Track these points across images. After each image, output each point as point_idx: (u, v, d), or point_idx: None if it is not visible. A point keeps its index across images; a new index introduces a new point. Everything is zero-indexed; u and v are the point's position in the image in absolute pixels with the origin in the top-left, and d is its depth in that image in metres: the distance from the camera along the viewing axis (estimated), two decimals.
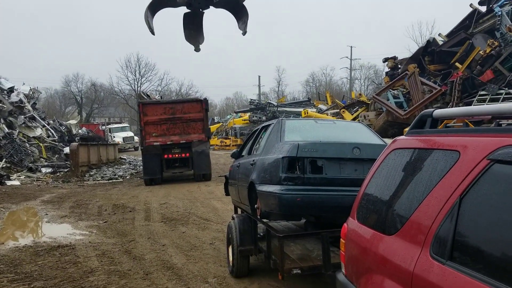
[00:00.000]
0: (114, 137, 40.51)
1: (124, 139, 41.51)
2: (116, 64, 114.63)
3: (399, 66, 24.63)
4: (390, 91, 20.26)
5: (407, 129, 13.78)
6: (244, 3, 9.99)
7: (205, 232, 8.91)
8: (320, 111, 33.59)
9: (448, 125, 11.54)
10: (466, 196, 2.07)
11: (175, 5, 9.93)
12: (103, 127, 45.38)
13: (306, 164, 4.59)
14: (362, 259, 2.84)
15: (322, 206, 4.60)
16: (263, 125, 6.63)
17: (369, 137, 5.69)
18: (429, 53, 21.98)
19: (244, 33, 10.42)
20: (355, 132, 5.94)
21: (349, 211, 3.35)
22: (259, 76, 73.51)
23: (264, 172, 5.11)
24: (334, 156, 4.66)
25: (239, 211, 7.21)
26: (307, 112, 29.92)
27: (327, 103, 37.86)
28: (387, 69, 26.62)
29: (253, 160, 5.68)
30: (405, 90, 20.13)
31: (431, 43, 22.62)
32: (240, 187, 6.27)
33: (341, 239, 3.24)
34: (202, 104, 17.90)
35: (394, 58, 25.54)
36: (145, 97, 26.94)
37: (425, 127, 2.77)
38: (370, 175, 3.10)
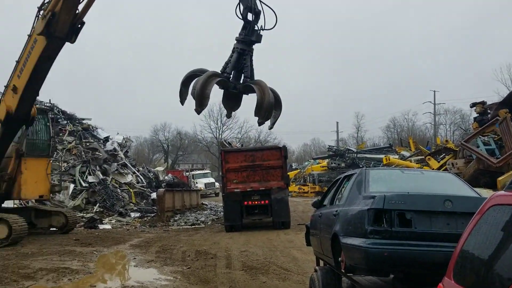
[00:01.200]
0: (196, 183, 42.01)
1: (206, 185, 42.92)
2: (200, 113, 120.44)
3: (489, 111, 23.27)
4: (480, 138, 19.11)
5: (500, 178, 12.81)
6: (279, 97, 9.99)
7: (285, 283, 8.77)
8: (403, 157, 32.40)
9: None
10: None
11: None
12: (187, 173, 47.37)
13: (394, 216, 4.43)
14: None
15: (411, 262, 4.37)
16: (346, 174, 6.55)
17: (461, 188, 5.39)
18: None
19: (271, 127, 10.62)
20: (445, 183, 5.67)
21: (441, 268, 3.16)
22: (337, 122, 73.07)
23: (348, 223, 5.01)
24: (424, 209, 4.46)
25: (321, 263, 7.05)
26: (389, 159, 29.02)
27: (410, 150, 36.49)
28: (475, 114, 25.24)
29: (336, 211, 5.59)
30: (496, 136, 18.89)
31: None
32: (323, 238, 6.17)
33: None
34: (281, 151, 18.13)
35: (483, 103, 24.22)
36: (227, 145, 27.91)
37: None
38: (467, 232, 2.92)
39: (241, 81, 9.81)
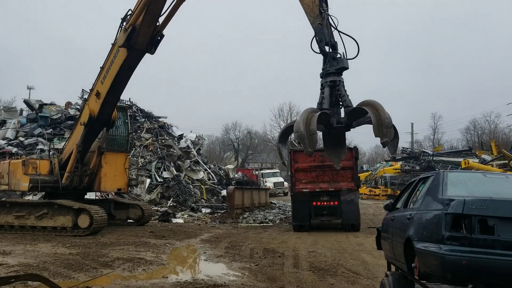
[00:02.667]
0: (265, 182, 42.33)
1: (275, 184, 43.11)
2: (270, 113, 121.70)
3: None
4: None
5: None
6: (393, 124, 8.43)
7: (354, 286, 8.55)
8: (484, 161, 30.39)
9: None
10: None
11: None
12: (256, 172, 47.90)
13: (474, 222, 4.14)
14: None
15: (493, 272, 4.06)
16: (422, 176, 6.24)
17: None
18: None
19: (393, 158, 9.67)
20: None
21: None
22: (411, 123, 69.98)
23: (424, 228, 4.76)
24: (508, 215, 4.13)
25: (393, 267, 6.77)
26: (468, 163, 27.37)
27: (492, 153, 34.14)
28: None
29: (410, 214, 5.34)
30: None
31: None
32: (395, 242, 5.92)
33: None
34: (352, 152, 17.70)
35: None
36: (296, 145, 27.81)
37: None
38: None
39: (342, 115, 8.88)
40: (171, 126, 32.29)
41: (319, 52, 8.80)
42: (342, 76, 8.81)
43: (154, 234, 15.44)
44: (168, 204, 23.54)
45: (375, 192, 38.93)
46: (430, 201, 5.04)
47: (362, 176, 41.15)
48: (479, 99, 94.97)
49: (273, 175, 46.43)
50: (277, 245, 13.69)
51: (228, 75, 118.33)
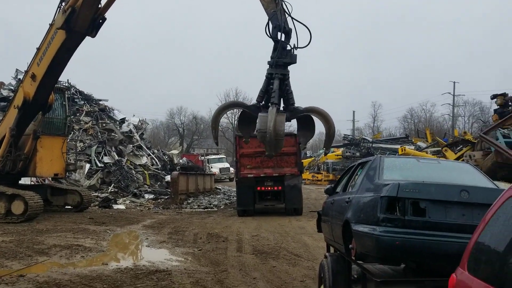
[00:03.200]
0: (211, 167, 42.07)
1: (221, 169, 43.05)
2: (216, 98, 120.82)
3: (510, 103, 22.72)
4: (500, 130, 18.68)
5: None
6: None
7: (295, 268, 8.77)
8: (419, 148, 31.98)
9: None
10: None
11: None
12: (202, 157, 47.44)
13: (407, 205, 4.34)
14: None
15: (424, 251, 4.29)
16: (360, 161, 6.45)
17: (479, 179, 5.25)
18: None
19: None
20: (462, 173, 5.53)
21: (455, 259, 3.08)
22: (353, 111, 72.31)
23: (361, 211, 4.93)
24: (438, 198, 4.35)
25: (332, 249, 7.00)
26: (405, 150, 28.68)
27: (427, 141, 35.97)
28: (495, 106, 24.67)
29: (349, 198, 5.51)
30: None
31: None
32: (334, 225, 6.10)
33: None
34: (296, 138, 17.96)
35: (504, 94, 23.61)
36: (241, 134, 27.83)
37: None
38: (484, 223, 2.83)
39: (284, 109, 8.76)
40: (113, 110, 31.20)
41: (272, 37, 8.58)
42: (288, 70, 8.70)
43: (94, 221, 14.98)
44: (109, 190, 22.86)
45: (317, 177, 39.99)
46: (367, 185, 5.22)
47: (305, 162, 42.08)
48: (416, 89, 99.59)
49: (219, 160, 46.33)
50: (221, 230, 13.73)
51: (173, 59, 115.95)
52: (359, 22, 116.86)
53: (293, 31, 8.55)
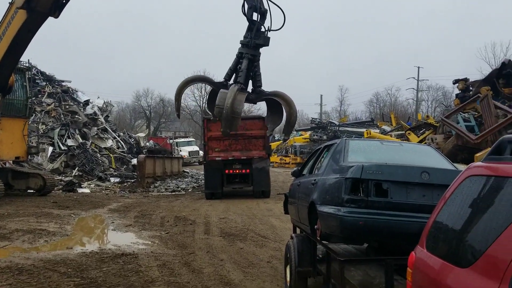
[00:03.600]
0: (180, 150, 41.49)
1: (190, 153, 42.64)
2: None
3: (471, 88, 23.50)
4: (461, 114, 19.34)
5: (477, 154, 13.00)
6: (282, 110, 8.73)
7: (262, 249, 8.88)
8: (384, 132, 32.73)
9: None
10: None
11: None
12: (171, 140, 46.75)
13: (371, 186, 4.44)
14: None
15: (386, 231, 4.42)
16: (326, 144, 6.54)
17: (439, 161, 5.43)
18: (503, 75, 20.81)
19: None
20: (423, 155, 5.70)
21: (415, 238, 3.19)
22: (321, 95, 72.98)
23: (326, 192, 5.02)
24: (400, 179, 4.48)
25: (298, 230, 7.12)
26: (370, 133, 29.25)
27: (391, 124, 36.85)
28: (457, 91, 25.47)
29: (315, 180, 5.60)
30: (477, 113, 19.13)
31: (506, 65, 21.42)
32: (300, 207, 6.20)
33: (408, 268, 3.08)
34: (264, 121, 18.03)
35: (465, 79, 24.41)
36: (210, 113, 27.64)
37: (504, 154, 2.58)
38: (442, 202, 2.93)
39: (251, 91, 8.71)
40: (76, 91, 30.32)
41: (247, 17, 8.44)
42: (260, 52, 8.62)
43: (58, 205, 14.64)
44: (73, 174, 22.36)
45: (285, 160, 40.31)
46: (333, 167, 5.31)
47: (273, 145, 42.27)
48: (383, 74, 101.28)
49: (188, 144, 45.80)
50: (188, 213, 13.71)
51: (139, 39, 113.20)
52: (327, 6, 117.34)
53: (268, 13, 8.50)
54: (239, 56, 8.45)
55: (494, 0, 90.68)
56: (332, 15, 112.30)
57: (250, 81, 8.55)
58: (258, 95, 8.59)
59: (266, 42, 8.50)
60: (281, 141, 49.23)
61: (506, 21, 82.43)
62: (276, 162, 39.67)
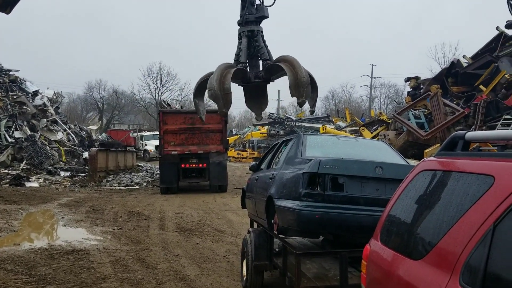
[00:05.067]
0: (146, 144, 39.91)
1: (156, 147, 41.35)
2: (139, 72, 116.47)
3: (422, 86, 24.39)
4: (412, 111, 20.04)
5: (427, 150, 13.50)
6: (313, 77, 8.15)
7: (219, 244, 8.84)
8: (339, 128, 33.41)
9: (480, 148, 11.25)
10: (501, 223, 1.97)
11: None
12: (134, 134, 44.99)
13: (327, 181, 4.51)
14: (385, 283, 2.73)
15: (341, 224, 4.50)
16: (284, 139, 6.58)
17: (392, 156, 5.59)
18: (452, 74, 21.72)
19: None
20: (377, 150, 5.85)
21: (369, 231, 3.26)
22: (278, 90, 73.40)
23: (283, 187, 5.04)
24: (355, 174, 4.57)
25: (255, 225, 7.13)
26: (326, 128, 29.82)
27: (346, 120, 37.66)
28: (408, 89, 26.38)
29: (273, 174, 5.62)
30: (427, 110, 19.88)
31: (455, 64, 22.37)
32: (258, 201, 6.20)
33: (362, 261, 3.14)
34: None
35: (417, 78, 25.31)
36: (166, 106, 27.21)
37: (456, 149, 2.67)
38: (395, 196, 3.01)
39: (261, 68, 8.42)
40: (24, 81, 28.89)
41: None
42: (261, 25, 8.41)
43: (4, 199, 13.93)
44: (20, 167, 21.33)
45: (243, 155, 40.35)
46: (290, 161, 5.35)
47: (231, 139, 42.18)
48: (339, 70, 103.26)
49: (154, 137, 44.17)
50: (143, 208, 13.44)
51: (92, 28, 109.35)
52: (282, 1, 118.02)
53: None
54: (239, 37, 8.30)
55: (445, 1, 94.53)
56: (292, 9, 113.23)
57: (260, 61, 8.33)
58: (265, 69, 8.26)
59: (265, 13, 8.29)
60: (238, 136, 49.22)
61: (455, 22, 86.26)
62: (234, 157, 39.64)
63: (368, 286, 2.99)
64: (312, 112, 8.72)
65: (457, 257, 2.15)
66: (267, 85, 8.81)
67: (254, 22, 8.30)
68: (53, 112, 27.59)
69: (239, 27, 8.40)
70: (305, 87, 7.67)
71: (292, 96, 7.81)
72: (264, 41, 8.46)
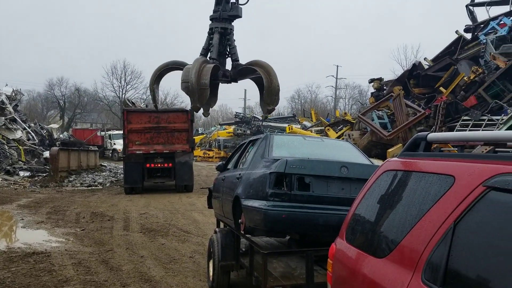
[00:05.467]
0: (114, 144, 38.83)
1: None
2: (102, 70, 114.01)
3: (385, 87, 24.97)
4: (375, 112, 20.49)
5: (390, 150, 13.79)
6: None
7: (185, 244, 8.76)
8: (305, 127, 33.78)
9: (441, 149, 11.61)
10: (461, 222, 2.04)
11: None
12: (102, 132, 43.64)
13: (294, 180, 4.55)
14: (350, 281, 2.78)
15: (307, 224, 4.55)
16: (251, 139, 6.58)
17: (357, 156, 5.69)
18: (414, 76, 22.36)
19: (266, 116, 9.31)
20: (343, 150, 5.94)
21: (335, 230, 3.31)
22: (245, 90, 73.46)
23: (250, 186, 5.05)
24: (321, 174, 4.63)
25: (222, 225, 7.11)
26: (292, 128, 30.04)
27: (312, 120, 38.12)
28: (372, 90, 26.93)
29: (239, 174, 5.61)
30: (389, 111, 20.37)
31: (416, 66, 23.03)
32: (225, 201, 6.19)
33: (328, 259, 3.18)
34: (188, 114, 17.78)
35: (380, 79, 25.88)
36: (130, 105, 26.74)
37: (418, 150, 2.75)
38: (360, 196, 3.07)
39: (229, 67, 8.36)
40: None
41: None
42: (232, 24, 8.35)
43: None
44: None
45: (209, 154, 40.14)
46: (257, 161, 5.36)
47: (197, 139, 41.84)
48: (306, 70, 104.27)
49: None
50: (106, 208, 13.15)
51: (53, 24, 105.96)
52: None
53: None
54: (210, 32, 8.16)
55: (407, 4, 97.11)
56: (257, 7, 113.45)
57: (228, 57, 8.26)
58: (236, 70, 8.25)
59: (239, 12, 8.23)
60: (204, 135, 48.90)
61: (417, 25, 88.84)
62: (200, 156, 39.38)
63: (333, 284, 3.04)
64: (265, 117, 8.84)
65: (420, 255, 2.21)
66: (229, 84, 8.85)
67: (227, 20, 8.25)
68: (11, 110, 26.54)
69: (211, 21, 8.33)
70: (277, 95, 7.82)
71: (265, 102, 7.90)
72: (234, 40, 8.46)
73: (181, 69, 8.02)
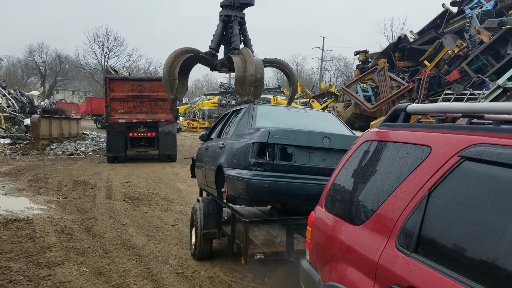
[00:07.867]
0: None
1: None
2: (84, 36, 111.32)
3: (370, 60, 24.99)
4: (360, 84, 20.56)
5: (373, 122, 13.95)
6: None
7: (168, 213, 8.82)
8: None
9: (419, 120, 11.80)
10: (435, 191, 2.11)
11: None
12: None
13: (276, 150, 4.58)
14: (328, 248, 2.86)
15: (289, 193, 4.61)
16: (235, 108, 6.56)
17: (339, 127, 5.74)
18: (399, 49, 22.39)
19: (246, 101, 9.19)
20: (325, 121, 5.97)
21: (315, 199, 3.37)
22: None
23: (233, 156, 5.07)
24: (304, 144, 4.67)
25: (205, 194, 7.17)
26: (277, 100, 30.04)
27: (297, 92, 38.05)
28: (357, 62, 26.95)
29: (223, 144, 5.62)
30: (374, 84, 20.47)
31: (402, 39, 23.04)
32: (208, 170, 6.21)
33: (307, 227, 3.26)
34: None
35: (365, 52, 25.86)
36: (113, 72, 26.24)
37: (398, 121, 2.80)
38: (340, 166, 3.12)
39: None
40: None
41: None
42: (243, 12, 8.17)
43: None
44: None
45: (193, 124, 39.98)
46: (241, 131, 5.36)
47: (181, 108, 41.56)
48: (293, 41, 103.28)
49: None
50: (89, 177, 13.09)
51: None
52: None
53: None
54: (226, 21, 7.94)
55: None
56: None
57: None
58: (222, 60, 8.33)
59: (251, 0, 8.07)
60: (189, 105, 48.52)
61: None
62: (184, 126, 39.19)
63: (312, 251, 3.12)
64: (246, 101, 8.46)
65: (394, 222, 2.28)
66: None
67: (237, 7, 8.07)
68: None
69: (222, 8, 8.19)
70: (252, 86, 7.45)
71: (236, 93, 7.73)
72: (243, 29, 8.29)
73: (195, 58, 7.90)
